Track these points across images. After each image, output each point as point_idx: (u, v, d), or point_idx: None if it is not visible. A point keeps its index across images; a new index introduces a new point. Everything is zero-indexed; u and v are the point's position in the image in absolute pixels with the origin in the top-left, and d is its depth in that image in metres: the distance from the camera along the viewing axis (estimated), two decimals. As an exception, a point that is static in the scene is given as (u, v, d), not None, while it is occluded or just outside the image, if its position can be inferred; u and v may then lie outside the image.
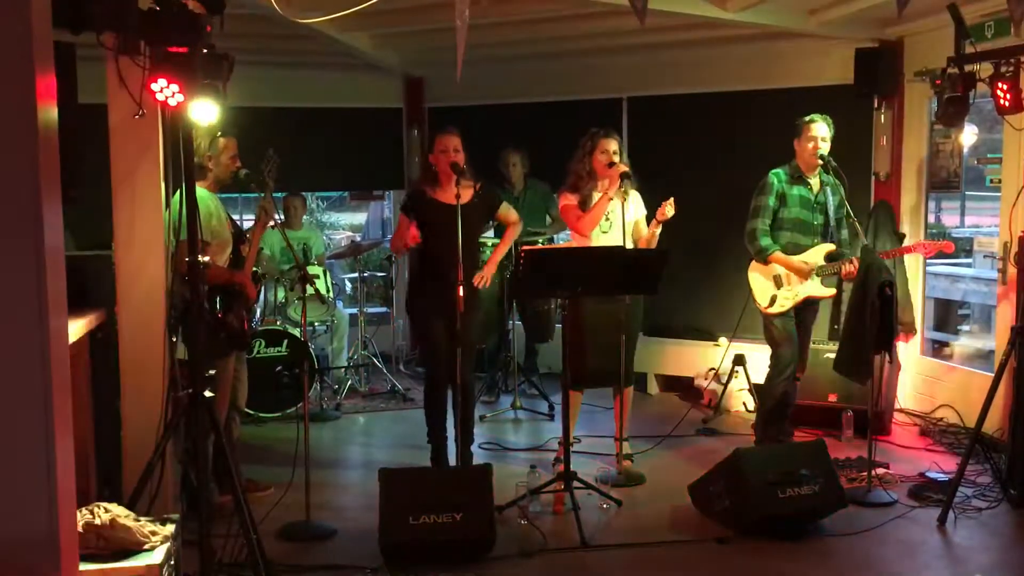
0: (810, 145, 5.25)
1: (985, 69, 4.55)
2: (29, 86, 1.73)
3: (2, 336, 1.86)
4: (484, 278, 5.20)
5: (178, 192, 3.76)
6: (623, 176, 5.10)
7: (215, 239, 4.44)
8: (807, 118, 5.31)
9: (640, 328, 5.44)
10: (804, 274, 5.28)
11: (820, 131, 5.25)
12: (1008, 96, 4.44)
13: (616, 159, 5.16)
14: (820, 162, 5.23)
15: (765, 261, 5.33)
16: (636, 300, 5.27)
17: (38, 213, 1.77)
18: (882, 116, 6.55)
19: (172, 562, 3.17)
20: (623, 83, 7.53)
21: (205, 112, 3.29)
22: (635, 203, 5.31)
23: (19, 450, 1.91)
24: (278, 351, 6.37)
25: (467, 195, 4.90)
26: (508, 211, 5.37)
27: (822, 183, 5.39)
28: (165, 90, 3.05)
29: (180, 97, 3.08)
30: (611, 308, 5.11)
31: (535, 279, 4.67)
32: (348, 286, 8.65)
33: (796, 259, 5.31)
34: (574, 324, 5.08)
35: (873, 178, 6.67)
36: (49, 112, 1.88)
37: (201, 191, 4.39)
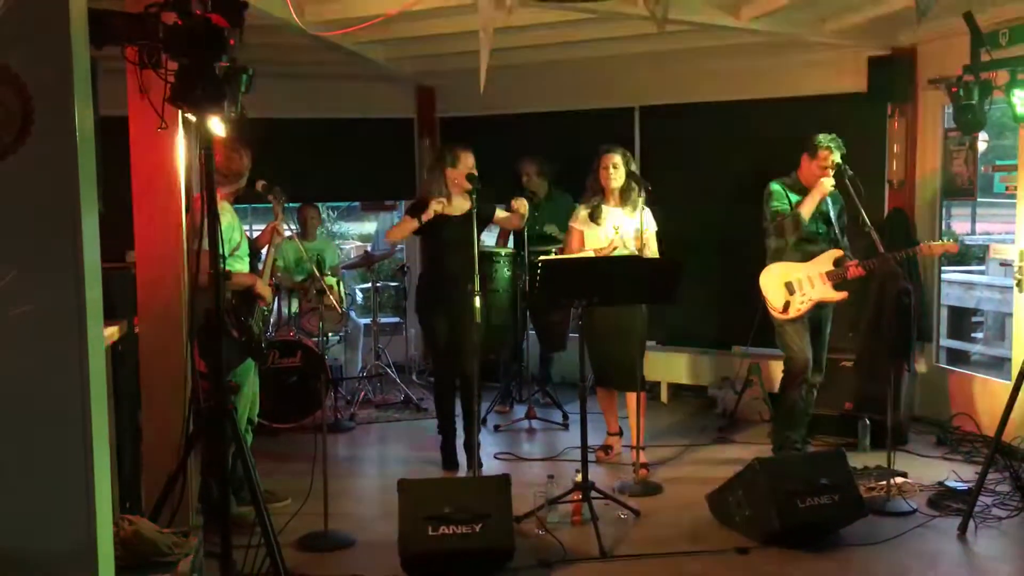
0: (820, 172, 5.28)
1: (1001, 76, 4.55)
2: (68, 100, 1.74)
3: (45, 348, 1.87)
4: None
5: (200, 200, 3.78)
6: (626, 186, 5.33)
7: (237, 251, 4.45)
8: (825, 143, 5.26)
9: (646, 334, 5.47)
10: (817, 267, 5.29)
11: (836, 159, 5.26)
12: (1025, 104, 4.44)
13: (619, 171, 5.33)
14: (835, 170, 5.25)
15: (799, 217, 5.25)
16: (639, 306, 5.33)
17: (77, 226, 1.78)
18: (896, 124, 6.54)
19: (196, 574, 3.17)
20: (636, 92, 7.53)
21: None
22: (648, 219, 5.40)
23: (60, 461, 1.91)
24: (292, 362, 6.37)
25: (467, 206, 5.10)
26: (500, 214, 5.67)
27: None
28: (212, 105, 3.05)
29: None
30: (617, 313, 5.24)
31: (552, 289, 4.68)
32: (359, 296, 8.65)
33: (806, 265, 5.34)
34: (587, 330, 5.18)
35: (887, 186, 6.66)
36: (87, 126, 1.89)
37: (223, 203, 4.42)
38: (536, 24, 6.01)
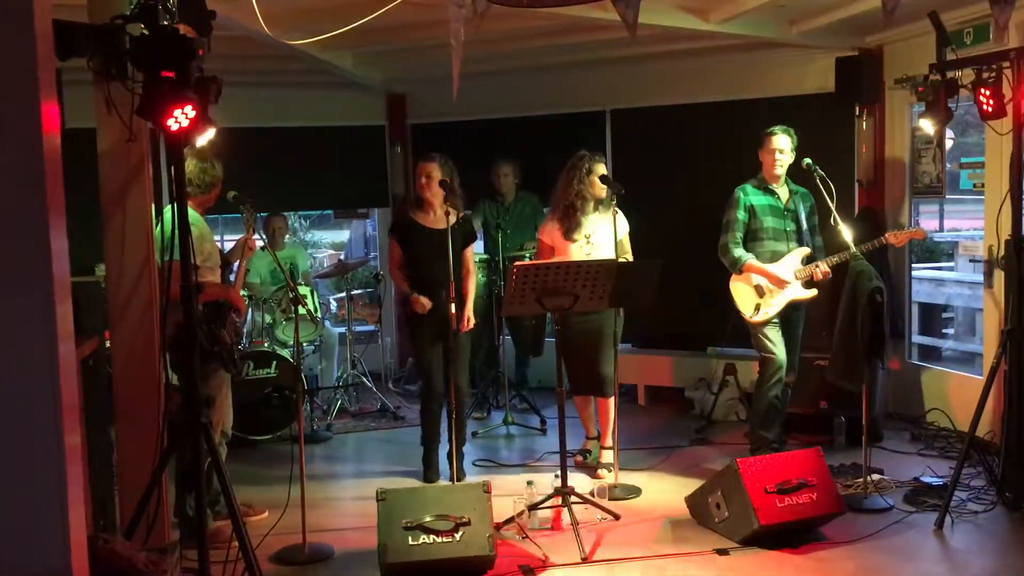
0: (769, 158, 5.36)
1: (967, 75, 4.61)
2: (35, 114, 1.71)
3: (15, 364, 1.83)
4: (468, 320, 5.48)
5: (167, 210, 3.74)
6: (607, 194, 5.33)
7: (208, 261, 4.41)
8: (768, 130, 5.38)
9: (619, 338, 5.48)
10: (779, 281, 5.33)
11: (780, 143, 5.33)
12: (991, 102, 4.50)
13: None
14: (805, 170, 5.29)
15: (740, 271, 5.38)
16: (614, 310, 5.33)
17: (46, 241, 1.75)
18: (864, 123, 6.60)
19: (173, 592, 3.13)
20: (606, 96, 7.56)
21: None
22: (621, 221, 5.37)
23: (33, 479, 1.87)
24: (267, 373, 6.32)
25: (447, 218, 5.11)
26: (470, 252, 5.61)
27: (791, 192, 5.46)
28: (182, 116, 3.02)
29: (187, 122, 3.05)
30: (589, 317, 5.27)
31: (527, 294, 4.65)
32: (333, 305, 8.60)
33: (771, 266, 5.35)
34: (562, 335, 5.18)
35: (857, 185, 6.72)
36: (54, 140, 1.86)
37: (192, 213, 4.37)
38: (506, 32, 6.02)
